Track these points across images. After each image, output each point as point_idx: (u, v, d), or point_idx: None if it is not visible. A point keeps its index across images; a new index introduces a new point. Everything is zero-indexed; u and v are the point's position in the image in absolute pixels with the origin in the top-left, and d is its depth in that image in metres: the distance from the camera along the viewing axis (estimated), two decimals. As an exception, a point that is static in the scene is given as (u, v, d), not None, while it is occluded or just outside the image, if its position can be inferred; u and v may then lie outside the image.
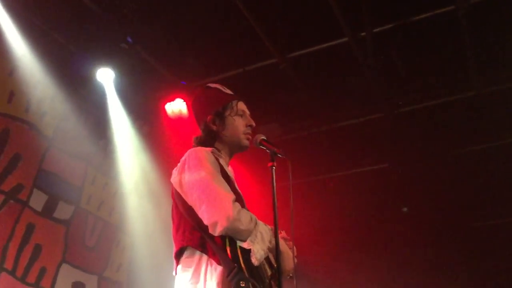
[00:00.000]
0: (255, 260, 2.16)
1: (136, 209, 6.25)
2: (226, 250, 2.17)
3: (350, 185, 7.14)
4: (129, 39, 5.11)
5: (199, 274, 2.23)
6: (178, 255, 2.35)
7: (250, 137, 2.58)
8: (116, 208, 6.18)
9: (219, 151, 2.53)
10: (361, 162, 7.00)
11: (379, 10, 4.99)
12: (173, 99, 5.86)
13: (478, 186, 6.85)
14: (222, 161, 2.46)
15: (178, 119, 5.83)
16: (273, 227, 2.27)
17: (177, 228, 2.39)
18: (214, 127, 2.55)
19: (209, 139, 2.55)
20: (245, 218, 2.19)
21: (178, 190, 2.36)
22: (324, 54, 5.49)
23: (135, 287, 6.22)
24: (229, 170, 2.53)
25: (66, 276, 5.28)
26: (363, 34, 5.22)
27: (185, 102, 5.83)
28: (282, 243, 2.35)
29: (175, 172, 2.41)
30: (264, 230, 2.25)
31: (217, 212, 2.17)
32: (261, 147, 2.45)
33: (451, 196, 6.98)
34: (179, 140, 5.75)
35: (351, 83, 5.88)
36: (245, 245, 2.18)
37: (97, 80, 5.38)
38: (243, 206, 2.32)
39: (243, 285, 2.08)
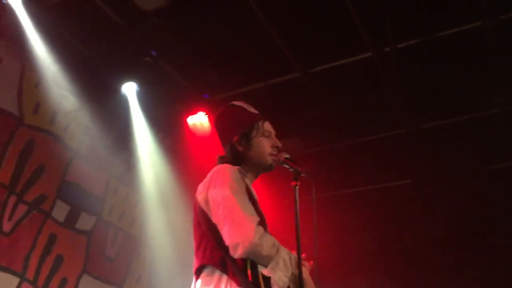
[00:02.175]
0: None
1: (157, 221, 6.27)
2: (247, 273, 2.15)
3: (371, 201, 7.07)
4: (153, 53, 5.16)
5: None
6: (198, 272, 2.33)
7: (275, 158, 2.52)
8: (137, 219, 6.22)
9: (245, 171, 2.50)
10: (383, 178, 6.92)
11: (403, 26, 4.94)
12: (195, 112, 5.88)
13: (502, 204, 6.73)
14: (247, 181, 2.43)
15: (200, 132, 5.85)
16: (294, 251, 2.23)
17: (198, 245, 2.37)
18: (240, 148, 2.52)
19: (235, 160, 2.51)
20: (267, 244, 2.15)
21: (203, 206, 2.34)
22: (347, 69, 5.45)
23: (155, 299, 6.23)
24: (253, 190, 2.51)
25: (86, 287, 5.32)
26: (387, 49, 5.18)
27: (207, 115, 5.85)
28: (303, 270, 2.29)
29: (200, 187, 2.39)
30: (287, 257, 2.20)
31: (239, 234, 2.14)
32: (284, 165, 2.43)
33: (474, 214, 6.86)
34: (201, 153, 5.76)
35: (373, 98, 5.83)
36: (265, 272, 2.14)
37: (122, 93, 5.44)
38: (265, 229, 2.28)
39: None
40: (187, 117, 5.90)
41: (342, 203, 7.13)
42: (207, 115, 5.82)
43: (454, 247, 7.15)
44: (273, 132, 2.63)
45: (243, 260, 2.17)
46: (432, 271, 7.30)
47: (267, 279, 2.14)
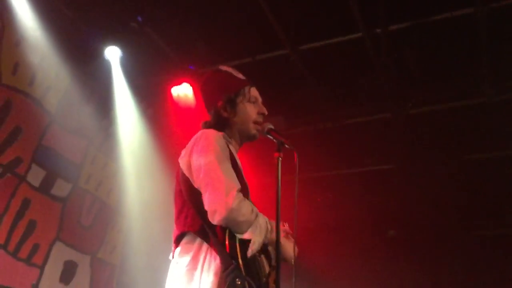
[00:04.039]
0: (250, 252, 2.09)
1: (135, 192, 6.18)
2: (225, 244, 2.10)
3: (353, 184, 7.05)
4: (139, 19, 5.02)
5: (197, 261, 2.18)
6: (178, 240, 2.29)
7: (260, 127, 2.46)
8: (114, 189, 6.12)
9: (229, 137, 2.43)
10: (366, 162, 6.90)
11: (396, 8, 4.88)
12: (179, 83, 5.77)
13: (483, 194, 6.75)
14: (232, 148, 2.38)
15: (184, 104, 5.74)
16: (273, 220, 2.19)
17: (179, 213, 2.33)
18: (225, 114, 2.45)
19: (218, 125, 2.45)
20: (246, 210, 2.12)
21: (186, 172, 2.29)
22: (336, 48, 5.39)
23: (129, 270, 6.16)
24: (238, 158, 2.44)
25: (58, 254, 5.23)
26: (378, 30, 5.12)
27: (191, 87, 5.74)
28: (286, 237, 2.28)
29: (183, 152, 2.34)
30: (263, 223, 2.17)
31: (217, 200, 2.10)
32: (268, 136, 2.37)
33: (455, 203, 6.88)
34: (183, 125, 5.67)
35: (361, 80, 5.78)
36: (246, 235, 2.10)
37: (104, 57, 5.30)
38: (247, 196, 2.24)
39: (239, 282, 2.03)
40: (171, 88, 5.78)
41: (325, 185, 7.11)
42: (191, 87, 5.71)
43: (434, 234, 7.19)
44: (259, 98, 2.57)
45: (222, 231, 2.13)
46: (409, 255, 7.36)
47: (244, 249, 2.10)
